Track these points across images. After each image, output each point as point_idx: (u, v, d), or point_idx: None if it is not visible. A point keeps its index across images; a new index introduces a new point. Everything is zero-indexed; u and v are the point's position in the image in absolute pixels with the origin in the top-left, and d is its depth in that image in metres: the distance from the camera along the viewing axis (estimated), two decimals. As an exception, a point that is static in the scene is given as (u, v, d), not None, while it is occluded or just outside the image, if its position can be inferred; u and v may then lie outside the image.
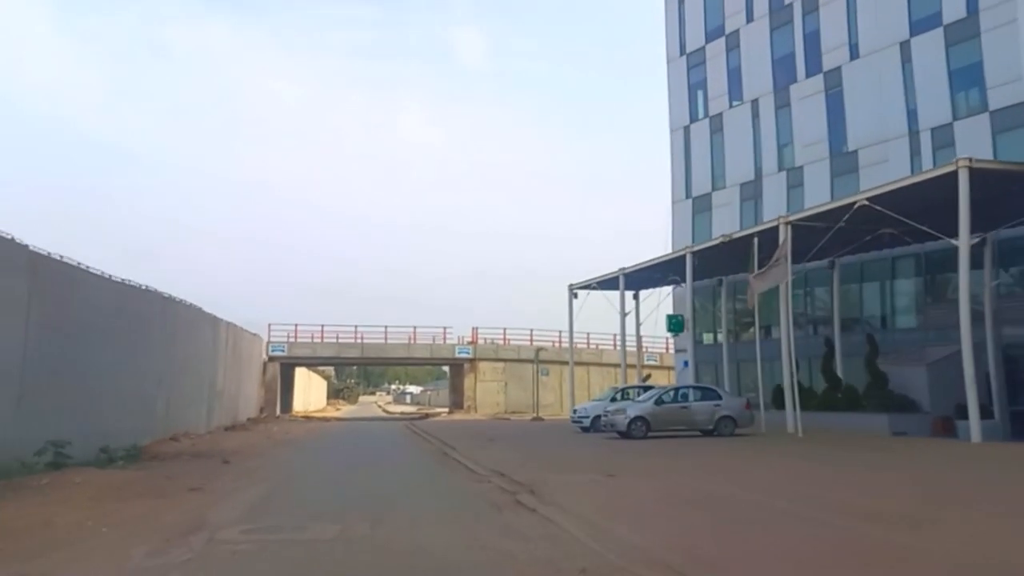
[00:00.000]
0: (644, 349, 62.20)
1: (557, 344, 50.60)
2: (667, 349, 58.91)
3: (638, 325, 33.97)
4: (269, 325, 48.35)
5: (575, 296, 36.28)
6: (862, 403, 22.39)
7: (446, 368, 78.91)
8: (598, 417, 25.25)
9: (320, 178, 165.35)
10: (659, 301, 35.67)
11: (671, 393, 21.79)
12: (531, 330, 53.40)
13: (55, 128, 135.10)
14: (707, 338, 35.17)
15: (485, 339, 53.17)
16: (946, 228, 19.49)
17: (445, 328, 52.54)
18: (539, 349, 42.35)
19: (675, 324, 27.77)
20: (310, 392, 79.38)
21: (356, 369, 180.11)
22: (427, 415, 58.52)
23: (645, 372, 37.21)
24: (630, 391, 26.52)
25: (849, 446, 18.20)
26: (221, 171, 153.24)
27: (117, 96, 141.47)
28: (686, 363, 28.69)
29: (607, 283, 34.09)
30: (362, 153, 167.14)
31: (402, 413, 75.77)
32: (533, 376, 52.84)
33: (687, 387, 22.78)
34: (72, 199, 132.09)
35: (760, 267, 22.93)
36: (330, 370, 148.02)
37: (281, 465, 17.67)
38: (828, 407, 23.27)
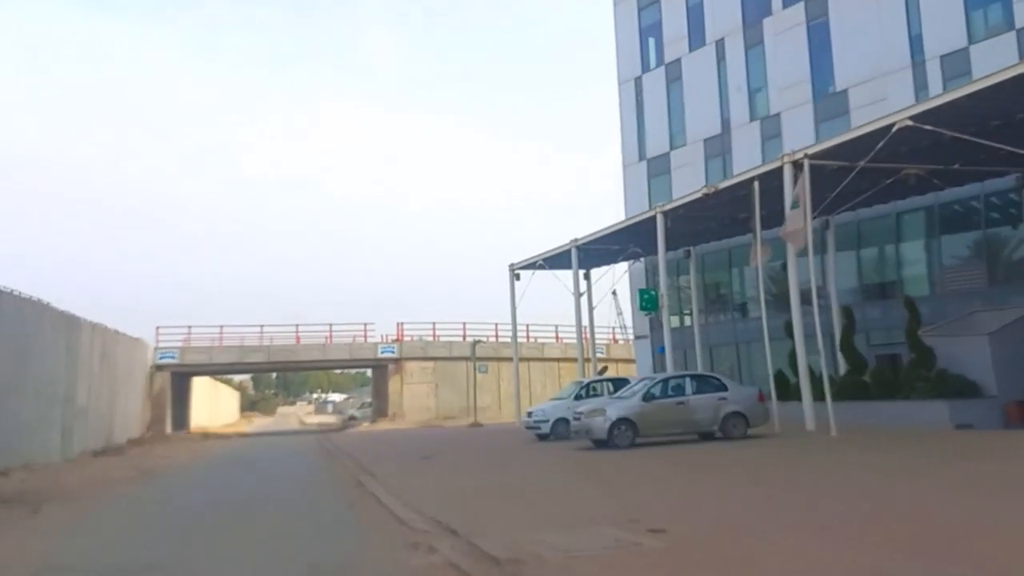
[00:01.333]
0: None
1: (494, 337, 45.08)
2: (614, 339, 54.24)
3: (591, 309, 28.75)
4: (157, 328, 41.33)
5: (517, 278, 30.80)
6: (904, 388, 17.51)
7: (368, 373, 72.91)
8: (561, 421, 19.89)
9: (225, 178, 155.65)
10: (613, 280, 30.60)
11: (661, 385, 16.43)
12: (464, 323, 47.76)
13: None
14: (673, 321, 30.30)
15: (412, 336, 47.25)
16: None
17: (366, 325, 46.36)
18: (476, 342, 36.69)
19: (648, 301, 22.52)
20: (217, 405, 71.71)
21: (275, 378, 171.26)
22: (345, 425, 52.19)
23: (601, 365, 32.04)
24: (597, 386, 21.23)
25: (930, 449, 13.25)
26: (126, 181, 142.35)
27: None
28: (661, 349, 23.56)
29: (555, 260, 28.72)
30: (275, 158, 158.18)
31: (321, 424, 69.14)
32: (468, 376, 47.21)
33: (682, 376, 17.41)
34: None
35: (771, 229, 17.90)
36: (246, 380, 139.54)
37: (113, 514, 11.78)
38: (854, 395, 18.33)
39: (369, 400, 76.14)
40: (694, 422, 16.18)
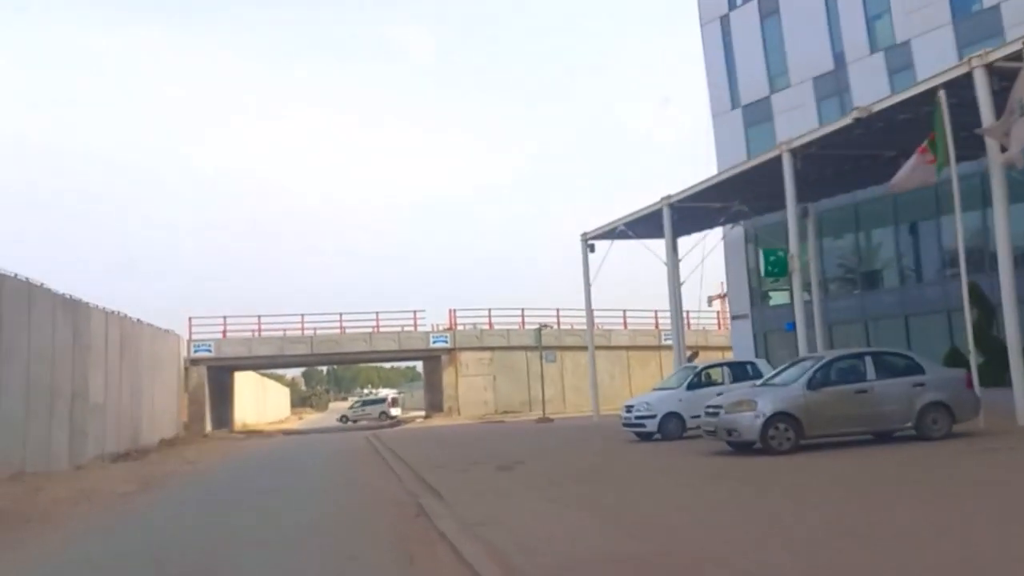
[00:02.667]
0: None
1: (555, 324, 40.70)
2: (688, 325, 49.37)
3: (678, 285, 24.06)
4: (190, 319, 37.88)
5: (591, 249, 26.32)
6: None
7: (418, 368, 68.90)
8: (671, 416, 15.55)
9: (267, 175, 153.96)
10: (703, 253, 25.91)
11: (830, 368, 11.85)
12: (522, 309, 43.53)
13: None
14: (778, 296, 25.60)
15: (466, 324, 43.17)
16: None
17: (415, 313, 42.36)
18: (542, 327, 32.24)
19: (775, 264, 17.66)
20: (264, 401, 68.77)
21: (326, 373, 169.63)
22: (398, 420, 48.44)
23: (690, 350, 27.48)
24: (712, 372, 16.80)
25: None
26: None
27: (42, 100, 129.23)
28: (791, 325, 18.81)
29: (639, 225, 24.19)
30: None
31: (396, 418, 65.69)
32: (529, 366, 42.99)
33: (858, 354, 12.53)
34: None
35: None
36: (297, 376, 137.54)
37: (84, 540, 7.90)
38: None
39: (386, 395, 72.29)
40: (880, 416, 11.61)
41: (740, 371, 16.53)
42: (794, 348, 23.60)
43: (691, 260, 25.84)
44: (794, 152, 17.34)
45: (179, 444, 31.15)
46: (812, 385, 11.56)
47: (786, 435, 11.31)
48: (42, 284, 19.54)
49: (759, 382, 13.36)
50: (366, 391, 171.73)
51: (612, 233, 25.40)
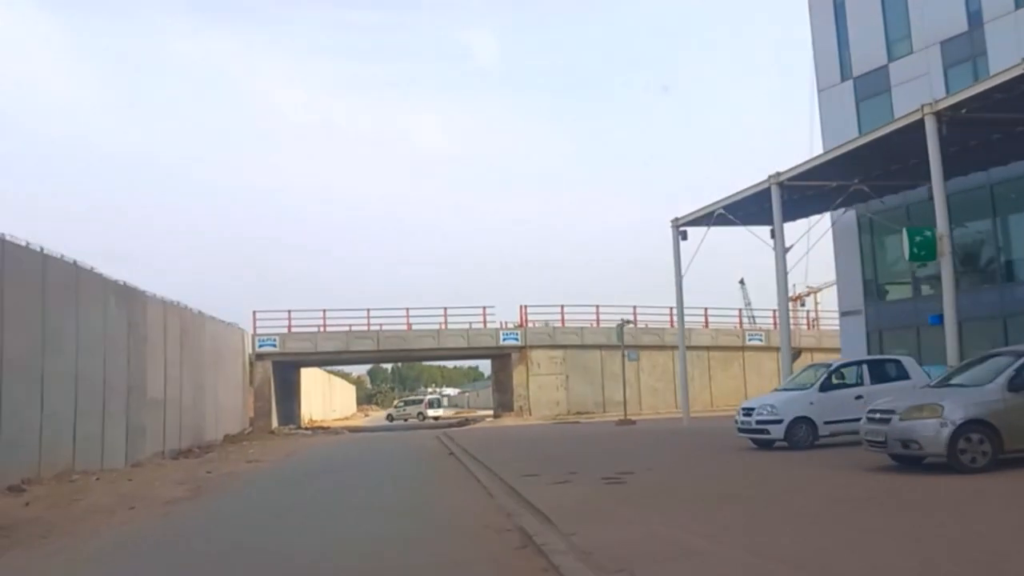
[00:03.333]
0: (752, 321, 49.66)
1: (632, 322, 38.21)
2: (774, 323, 46.33)
3: (785, 275, 21.37)
4: (254, 313, 36.66)
5: (683, 236, 23.90)
6: None
7: (481, 368, 67.40)
8: (801, 421, 13.18)
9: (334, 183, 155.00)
10: (808, 244, 23.23)
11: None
12: (596, 306, 41.20)
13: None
14: (893, 292, 22.83)
15: (537, 321, 41.05)
16: None
17: (485, 309, 40.41)
18: (624, 323, 29.72)
19: (922, 246, 14.93)
20: (331, 398, 68.06)
21: (391, 372, 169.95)
22: (467, 419, 46.63)
23: (795, 349, 24.81)
24: (844, 371, 14.35)
25: None
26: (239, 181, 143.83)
27: (127, 109, 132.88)
28: (935, 318, 15.96)
29: (740, 209, 21.67)
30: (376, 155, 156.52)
31: (436, 418, 64.40)
32: (603, 365, 40.72)
33: None
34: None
35: None
36: (363, 374, 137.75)
37: None
38: None
39: (423, 397, 71.20)
40: None
41: (881, 370, 14.03)
42: (915, 347, 20.97)
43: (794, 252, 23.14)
44: (939, 116, 14.71)
45: (244, 440, 29.94)
46: (1014, 386, 9.08)
47: (981, 448, 8.88)
48: (92, 268, 18.20)
49: (932, 382, 10.93)
50: (429, 390, 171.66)
51: (708, 219, 22.89)
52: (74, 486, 14.48)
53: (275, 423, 37.03)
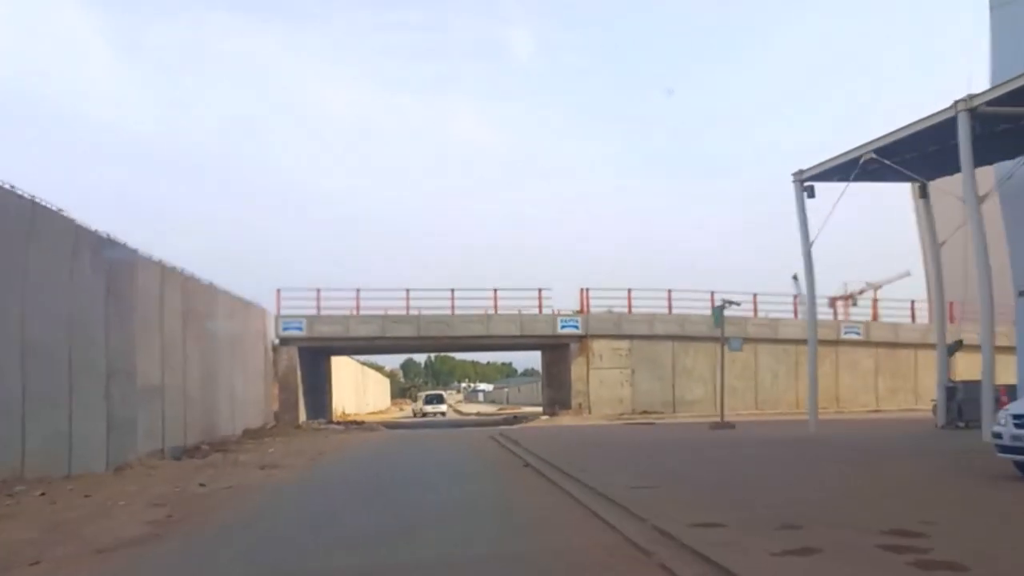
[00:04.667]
0: (848, 307, 43.74)
1: (735, 303, 32.97)
2: (873, 315, 40.82)
3: (984, 242, 15.90)
4: (278, 291, 32.14)
5: (809, 193, 18.75)
6: None
7: (515, 363, 62.33)
8: None
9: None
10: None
11: None
12: (668, 291, 36.10)
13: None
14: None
15: (600, 307, 36.12)
16: None
17: (540, 291, 35.52)
18: (726, 303, 24.26)
19: None
20: (365, 391, 63.79)
21: (424, 367, 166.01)
22: (515, 417, 41.78)
23: (952, 342, 19.52)
24: None
25: None
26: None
27: (172, 107, 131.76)
28: None
29: (895, 152, 16.49)
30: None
31: (478, 414, 59.76)
32: (675, 359, 35.74)
33: None
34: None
35: None
36: (396, 368, 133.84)
37: None
38: None
39: (441, 394, 67.40)
40: None
41: None
42: None
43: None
44: None
45: (266, 436, 25.55)
46: None
47: None
48: (60, 211, 13.68)
49: None
50: (464, 385, 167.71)
51: (848, 168, 17.69)
52: (-2, 507, 9.96)
53: (302, 417, 32.61)
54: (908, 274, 46.95)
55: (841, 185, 17.77)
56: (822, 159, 18.46)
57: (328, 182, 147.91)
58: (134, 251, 16.99)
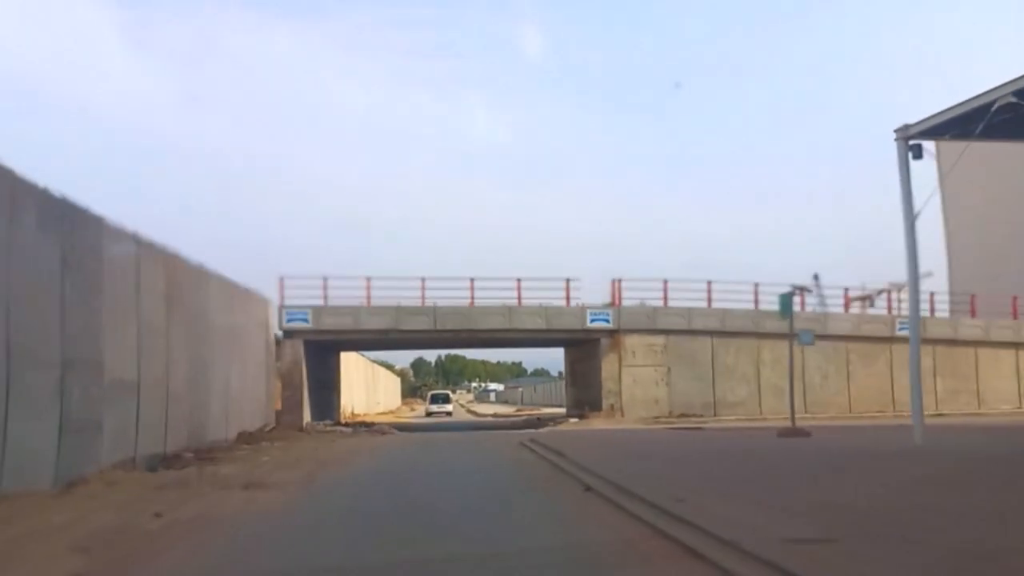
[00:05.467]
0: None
1: (808, 289, 29.80)
2: (931, 310, 37.52)
3: None
4: (281, 279, 29.14)
5: (916, 155, 15.60)
6: None
7: (524, 362, 58.92)
8: None
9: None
10: None
11: None
12: (708, 282, 32.98)
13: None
14: None
15: (633, 299, 33.06)
16: None
17: (568, 281, 32.47)
18: (797, 289, 20.94)
19: None
20: (375, 390, 60.88)
21: (435, 366, 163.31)
22: (538, 419, 38.62)
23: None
24: None
25: None
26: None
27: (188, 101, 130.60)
28: None
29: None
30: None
31: (495, 415, 56.85)
32: (715, 356, 32.64)
33: None
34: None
35: None
36: (406, 367, 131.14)
37: None
38: None
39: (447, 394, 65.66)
40: None
41: None
42: None
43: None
44: None
45: (264, 440, 22.61)
46: None
47: None
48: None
49: None
50: (474, 384, 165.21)
51: (973, 119, 14.50)
52: None
53: (307, 418, 29.68)
54: (931, 274, 43.26)
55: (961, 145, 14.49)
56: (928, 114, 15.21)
57: (341, 175, 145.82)
58: (101, 219, 13.97)
